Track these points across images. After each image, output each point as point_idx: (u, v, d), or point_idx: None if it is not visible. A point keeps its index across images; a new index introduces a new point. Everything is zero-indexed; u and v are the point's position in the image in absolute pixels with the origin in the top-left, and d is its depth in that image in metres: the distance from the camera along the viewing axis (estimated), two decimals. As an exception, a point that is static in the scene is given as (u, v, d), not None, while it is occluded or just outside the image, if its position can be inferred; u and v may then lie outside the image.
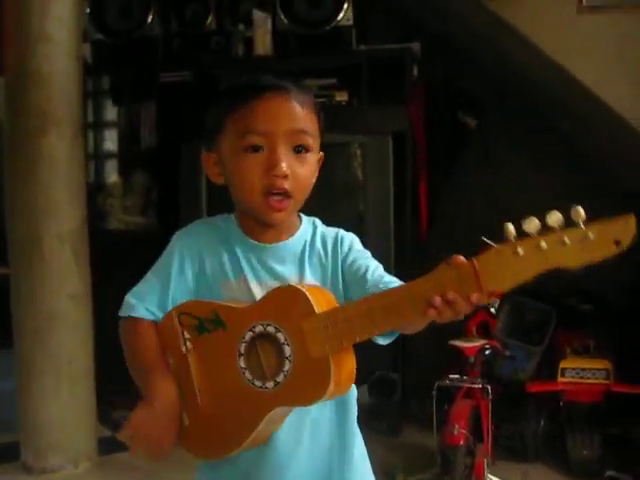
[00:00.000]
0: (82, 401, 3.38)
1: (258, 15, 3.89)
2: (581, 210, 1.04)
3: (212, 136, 1.38)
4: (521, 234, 1.08)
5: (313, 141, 1.35)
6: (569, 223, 1.06)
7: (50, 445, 3.31)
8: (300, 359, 1.23)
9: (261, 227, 1.37)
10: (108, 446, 3.58)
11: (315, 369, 1.22)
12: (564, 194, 4.02)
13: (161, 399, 1.31)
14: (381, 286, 1.28)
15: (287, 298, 1.26)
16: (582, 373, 3.21)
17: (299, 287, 1.26)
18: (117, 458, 3.51)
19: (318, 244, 1.39)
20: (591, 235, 1.04)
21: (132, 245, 4.07)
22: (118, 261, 3.94)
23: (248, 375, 1.28)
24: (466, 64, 4.14)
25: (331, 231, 1.42)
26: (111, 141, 4.57)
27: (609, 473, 3.02)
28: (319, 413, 1.35)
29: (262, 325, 1.26)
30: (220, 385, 1.32)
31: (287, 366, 1.24)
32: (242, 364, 1.28)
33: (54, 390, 3.29)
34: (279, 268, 1.36)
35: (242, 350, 1.28)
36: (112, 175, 4.52)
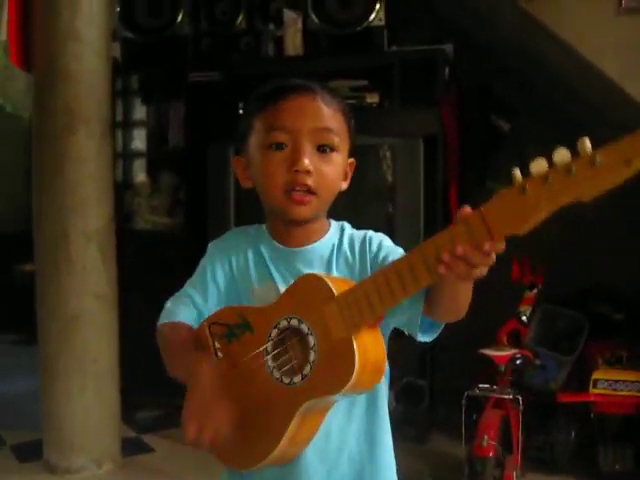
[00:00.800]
0: (106, 401, 3.37)
1: (289, 15, 3.85)
2: (587, 141, 0.96)
3: (242, 139, 1.39)
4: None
5: (339, 141, 1.34)
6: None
7: (73, 445, 3.30)
8: (324, 346, 1.19)
9: (289, 230, 1.37)
10: (132, 447, 3.59)
11: (339, 353, 1.17)
12: (599, 198, 3.95)
13: (206, 373, 1.26)
14: None
15: (306, 287, 1.23)
16: (615, 385, 3.15)
17: (316, 274, 1.25)
18: (141, 460, 3.51)
19: (345, 246, 1.37)
20: (598, 158, 0.94)
21: (159, 245, 4.06)
22: (145, 261, 3.94)
23: (276, 373, 1.24)
24: (500, 66, 4.09)
25: (360, 233, 1.40)
26: (139, 140, 4.56)
27: (642, 488, 2.95)
28: (347, 418, 1.33)
29: (286, 319, 1.24)
30: (250, 390, 1.28)
31: (312, 356, 1.20)
32: (270, 363, 1.25)
33: (78, 390, 3.28)
34: (305, 270, 1.33)
35: (269, 349, 1.25)
36: (140, 174, 4.51)
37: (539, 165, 0.99)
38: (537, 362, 3.22)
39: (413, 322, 1.26)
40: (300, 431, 1.24)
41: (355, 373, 1.15)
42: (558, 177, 0.98)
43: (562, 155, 0.98)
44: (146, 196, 4.23)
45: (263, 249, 1.39)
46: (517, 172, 1.01)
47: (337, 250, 1.37)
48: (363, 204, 3.38)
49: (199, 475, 3.01)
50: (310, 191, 1.30)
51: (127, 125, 4.54)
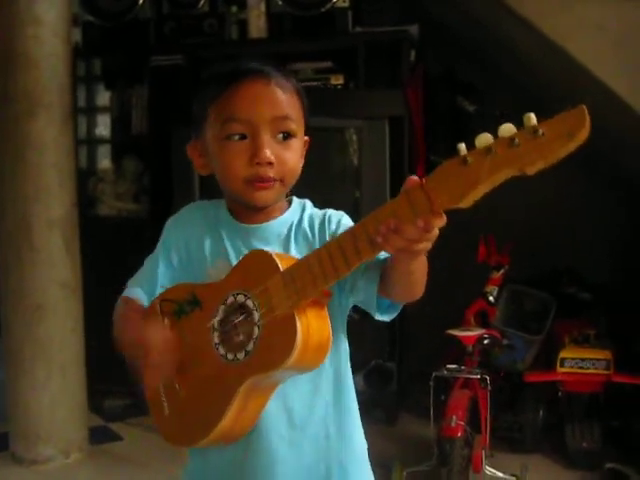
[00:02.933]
0: (73, 391, 3.34)
1: (252, -4, 3.81)
2: (533, 116, 0.95)
3: (197, 125, 1.35)
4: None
5: (297, 126, 1.32)
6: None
7: (40, 435, 3.26)
8: (268, 322, 1.17)
9: (249, 210, 1.35)
10: (100, 436, 3.56)
11: (281, 329, 1.15)
12: (564, 184, 3.98)
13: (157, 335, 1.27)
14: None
15: (253, 262, 1.23)
16: (582, 363, 3.17)
17: (263, 249, 1.23)
18: (109, 448, 3.49)
19: (305, 224, 1.35)
20: (541, 131, 0.94)
21: (124, 232, 4.02)
22: (110, 248, 3.90)
23: (221, 350, 1.23)
24: (465, 48, 4.08)
25: (320, 211, 1.39)
26: (103, 126, 4.50)
27: (609, 465, 2.98)
28: (311, 398, 1.31)
29: (233, 295, 1.22)
30: (196, 367, 1.27)
31: (256, 332, 1.18)
32: (216, 340, 1.24)
33: (44, 380, 3.24)
34: (260, 247, 1.31)
35: (216, 325, 1.24)
36: (104, 161, 4.45)
37: (484, 138, 0.98)
38: (505, 342, 3.24)
39: (369, 302, 1.25)
40: (244, 409, 1.23)
41: (296, 350, 1.13)
42: (501, 148, 0.97)
43: (507, 129, 0.97)
44: (110, 182, 4.18)
45: (221, 227, 1.37)
46: (462, 145, 1.00)
47: (296, 228, 1.35)
48: (329, 186, 3.37)
49: (168, 463, 2.97)
50: (273, 180, 1.29)
51: (90, 111, 4.48)
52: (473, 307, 3.32)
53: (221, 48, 3.84)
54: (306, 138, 1.38)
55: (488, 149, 0.97)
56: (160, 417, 1.33)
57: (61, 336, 3.27)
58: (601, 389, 3.21)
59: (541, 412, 3.28)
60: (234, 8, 3.91)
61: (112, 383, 3.80)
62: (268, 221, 1.35)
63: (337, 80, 3.65)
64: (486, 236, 3.37)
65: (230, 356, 1.21)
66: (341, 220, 1.35)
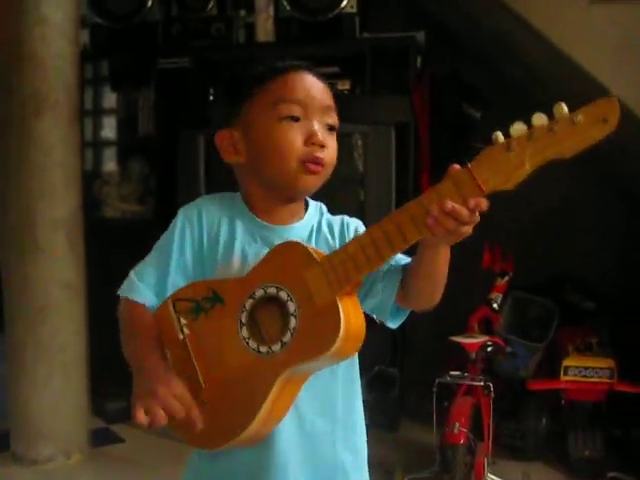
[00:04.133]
0: (74, 391, 3.33)
1: (260, 1, 3.81)
2: (564, 105, 1.05)
3: (232, 111, 1.35)
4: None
5: (336, 121, 1.35)
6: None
7: (41, 435, 3.26)
8: (306, 311, 1.18)
9: (272, 207, 1.35)
10: (101, 437, 3.55)
11: (323, 317, 1.16)
12: (569, 192, 3.98)
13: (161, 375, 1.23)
14: (392, 263, 1.30)
15: (285, 254, 1.22)
16: (585, 372, 3.17)
17: (294, 240, 1.23)
18: (110, 450, 3.48)
19: (325, 228, 1.37)
20: (579, 118, 1.04)
21: (129, 234, 4.01)
22: (114, 250, 3.89)
23: (252, 344, 1.22)
24: (472, 55, 4.08)
25: (336, 217, 1.41)
26: (109, 128, 4.50)
27: (611, 475, 2.97)
28: (322, 404, 1.32)
29: (262, 289, 1.22)
30: (223, 363, 1.25)
31: (293, 323, 1.18)
32: (244, 334, 1.22)
33: (46, 379, 3.23)
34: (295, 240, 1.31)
35: (244, 320, 1.23)
36: (110, 163, 4.46)
37: (519, 127, 1.07)
38: (508, 349, 3.24)
39: (385, 306, 1.27)
40: (279, 400, 1.22)
41: (341, 335, 1.14)
42: (542, 134, 1.05)
43: (540, 118, 1.06)
44: (116, 184, 4.18)
45: (240, 222, 1.35)
46: (499, 133, 1.08)
47: (317, 232, 1.36)
48: (334, 192, 3.36)
49: (170, 465, 2.98)
50: (322, 165, 1.30)
51: (97, 113, 4.48)
52: (477, 314, 3.32)
53: (228, 51, 3.84)
54: None
55: (529, 135, 1.06)
56: (183, 419, 1.27)
57: (64, 337, 3.26)
58: (604, 398, 3.20)
59: (544, 420, 3.27)
60: (242, 12, 3.91)
61: (114, 385, 3.78)
62: (292, 223, 1.35)
63: (344, 85, 3.66)
64: (491, 243, 3.37)
65: (263, 349, 1.20)
66: (358, 228, 1.38)
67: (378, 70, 3.63)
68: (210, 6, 3.89)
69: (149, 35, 3.99)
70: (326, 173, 1.33)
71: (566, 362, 3.19)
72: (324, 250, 1.32)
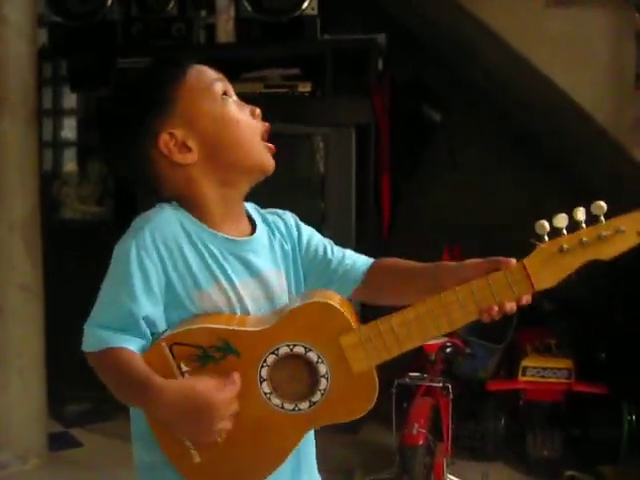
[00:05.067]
0: (32, 396, 3.29)
1: (221, 1, 3.79)
2: (603, 204, 1.14)
3: (162, 117, 1.24)
4: (554, 231, 1.17)
5: None
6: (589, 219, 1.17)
7: (-3, 441, 3.20)
8: (340, 375, 1.19)
9: (227, 213, 1.27)
10: (59, 442, 3.51)
11: (359, 383, 1.20)
12: (525, 190, 4.02)
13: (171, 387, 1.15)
14: (348, 262, 1.34)
15: (316, 315, 1.19)
16: (543, 372, 3.20)
17: (331, 303, 1.20)
18: (68, 454, 3.45)
19: (276, 231, 1.33)
20: (623, 227, 1.15)
21: (88, 235, 3.97)
22: (73, 251, 3.85)
23: (275, 400, 1.20)
24: (432, 57, 4.11)
25: (270, 214, 1.36)
26: (69, 129, 4.45)
27: (569, 473, 3.01)
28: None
29: (287, 346, 1.19)
30: (239, 415, 1.20)
31: (324, 384, 1.20)
32: (266, 389, 1.20)
33: (2, 384, 3.20)
34: (257, 262, 1.27)
35: (264, 375, 1.20)
36: (69, 164, 4.40)
37: (562, 222, 1.16)
38: (467, 350, 3.25)
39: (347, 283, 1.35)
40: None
41: (373, 403, 1.21)
42: (592, 240, 1.16)
43: (581, 215, 1.16)
44: (74, 185, 4.14)
45: (200, 242, 1.22)
46: (545, 224, 1.16)
47: (271, 235, 1.33)
48: (295, 193, 3.36)
49: (128, 470, 2.95)
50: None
51: (57, 113, 4.42)
52: (436, 315, 3.33)
53: (189, 52, 3.82)
54: None
55: (581, 240, 1.16)
56: (187, 465, 1.23)
57: (20, 340, 3.22)
58: (562, 398, 3.24)
59: (502, 420, 3.29)
60: (203, 12, 3.89)
61: (73, 388, 3.75)
62: (247, 229, 1.30)
63: (305, 87, 3.65)
64: (451, 243, 3.39)
65: (289, 406, 1.21)
66: (299, 224, 1.37)
67: (339, 72, 3.64)
68: (170, 6, 3.86)
69: (109, 34, 3.94)
70: None
71: (525, 362, 3.22)
72: (280, 253, 1.31)
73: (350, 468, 2.95)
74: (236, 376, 1.17)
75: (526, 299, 1.19)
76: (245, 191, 1.30)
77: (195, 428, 1.16)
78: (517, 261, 1.19)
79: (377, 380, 1.20)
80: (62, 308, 3.16)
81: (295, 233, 1.34)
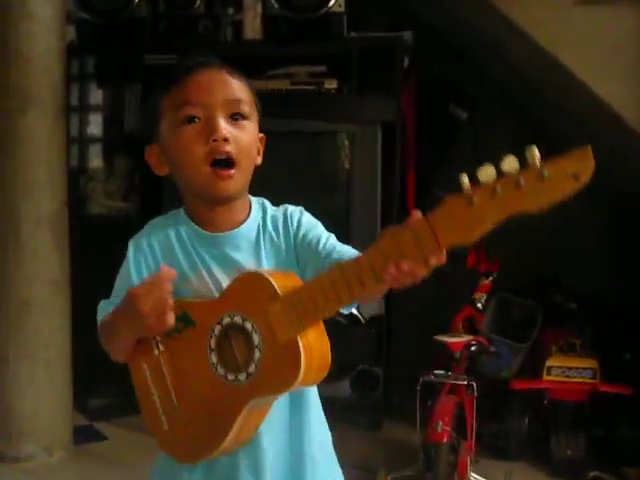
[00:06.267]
0: (58, 388, 3.31)
1: (248, -1, 3.81)
2: (536, 150, 0.97)
3: (152, 126, 1.35)
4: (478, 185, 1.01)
5: (250, 110, 1.33)
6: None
7: (24, 433, 3.24)
8: (269, 346, 1.19)
9: (213, 212, 1.33)
10: (85, 435, 3.53)
11: (285, 353, 1.17)
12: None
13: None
14: (335, 256, 1.27)
15: (250, 285, 1.22)
16: (568, 372, 3.18)
17: (261, 272, 1.23)
18: (93, 448, 3.46)
19: (269, 226, 1.36)
20: (546, 172, 0.96)
21: (114, 230, 3.99)
22: (99, 246, 3.88)
23: (220, 370, 1.24)
24: (459, 55, 4.09)
25: (279, 210, 1.39)
26: (95, 125, 4.49)
27: (593, 474, 2.99)
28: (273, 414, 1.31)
29: (229, 316, 1.23)
30: (194, 385, 1.27)
31: (257, 355, 1.20)
32: (213, 359, 1.24)
33: (29, 376, 3.22)
34: (235, 256, 1.32)
35: (212, 345, 1.24)
36: (95, 159, 4.44)
37: (487, 173, 0.99)
38: (492, 349, 3.24)
39: None
40: (245, 426, 1.25)
41: (301, 374, 1.16)
42: (506, 189, 0.99)
43: (510, 164, 0.98)
44: (101, 181, 4.17)
45: (189, 240, 1.34)
46: (465, 179, 1.01)
47: (263, 231, 1.35)
48: (320, 191, 3.37)
49: (152, 463, 2.98)
50: (231, 160, 1.28)
51: (83, 109, 4.46)
52: (461, 314, 3.33)
53: (215, 49, 3.83)
54: (262, 135, 1.39)
55: (493, 190, 0.99)
56: (160, 433, 1.32)
57: (47, 333, 3.24)
58: (587, 398, 3.22)
59: (526, 420, 3.28)
60: (230, 9, 3.91)
61: (98, 382, 3.79)
62: (235, 226, 1.34)
63: (331, 84, 3.65)
64: (476, 243, 3.38)
65: (231, 377, 1.22)
66: (301, 219, 1.36)
67: (365, 69, 3.63)
68: (197, 3, 3.88)
69: (136, 31, 3.97)
70: (242, 170, 1.31)
71: (549, 362, 3.21)
72: (271, 250, 1.33)
73: (373, 465, 2.95)
74: (164, 267, 1.25)
75: (437, 258, 1.06)
76: (216, 202, 1.33)
77: (138, 319, 1.24)
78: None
79: (302, 350, 1.16)
80: (88, 302, 3.17)
81: (293, 227, 1.35)
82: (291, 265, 1.33)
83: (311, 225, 1.36)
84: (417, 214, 1.07)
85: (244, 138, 1.31)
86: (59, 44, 3.25)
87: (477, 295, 3.36)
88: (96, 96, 4.42)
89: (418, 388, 2.79)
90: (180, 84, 1.30)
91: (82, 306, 3.34)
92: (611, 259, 3.91)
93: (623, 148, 3.46)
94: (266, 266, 1.32)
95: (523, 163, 0.98)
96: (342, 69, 3.67)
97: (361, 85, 3.62)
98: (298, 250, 1.34)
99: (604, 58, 3.07)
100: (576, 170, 0.96)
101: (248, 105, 1.32)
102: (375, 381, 3.57)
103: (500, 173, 0.99)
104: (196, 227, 1.35)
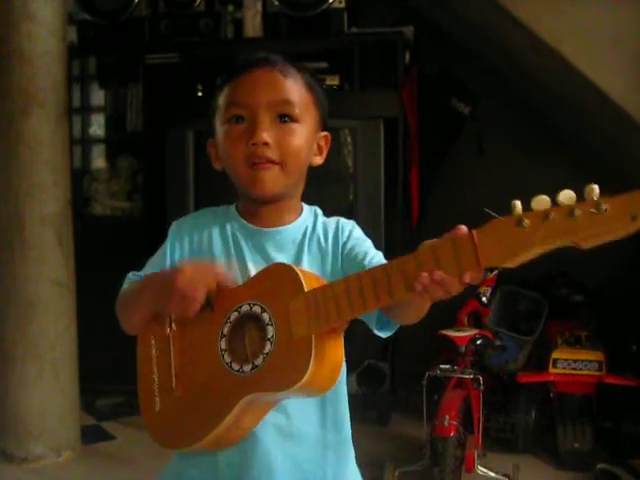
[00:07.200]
0: (65, 389, 3.32)
1: (248, -4, 3.80)
2: (596, 188, 0.91)
3: (210, 120, 1.37)
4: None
5: (301, 112, 1.30)
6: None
7: (31, 433, 3.24)
8: (282, 340, 1.13)
9: (260, 209, 1.34)
10: (92, 435, 3.55)
11: (295, 351, 1.11)
12: (558, 182, 3.98)
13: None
14: None
15: (277, 276, 1.18)
16: (574, 364, 3.18)
17: (290, 265, 1.19)
18: (101, 447, 3.47)
19: (319, 231, 1.35)
20: (604, 206, 0.90)
21: (118, 230, 4.01)
22: (104, 246, 3.89)
23: (226, 358, 1.19)
24: (460, 49, 4.09)
25: (332, 219, 1.38)
26: (98, 125, 4.49)
27: (600, 466, 2.98)
28: (304, 407, 1.28)
29: (249, 305, 1.19)
30: (197, 369, 1.24)
31: (267, 348, 1.15)
32: (222, 346, 1.20)
33: (36, 377, 3.22)
34: (273, 253, 1.31)
35: (225, 331, 1.20)
36: (98, 160, 4.44)
37: (541, 201, 0.95)
38: (497, 343, 3.25)
39: (369, 318, 1.25)
40: (235, 424, 1.20)
41: (307, 376, 1.10)
42: (560, 217, 0.93)
43: (567, 196, 0.94)
44: (105, 181, 4.17)
45: (230, 227, 1.36)
46: (517, 203, 0.96)
47: (310, 234, 1.34)
48: (323, 188, 3.37)
49: (160, 462, 2.98)
50: (272, 162, 1.27)
51: (85, 110, 4.47)
52: (466, 308, 3.33)
53: (216, 47, 3.84)
54: (325, 133, 1.38)
55: (546, 215, 0.94)
56: (149, 413, 1.30)
57: (53, 334, 3.25)
58: (593, 390, 3.22)
59: (533, 413, 3.28)
60: (230, 7, 3.91)
61: (105, 382, 3.80)
62: (283, 225, 1.34)
63: (332, 80, 3.65)
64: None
65: (235, 366, 1.18)
66: (352, 231, 1.35)
67: (367, 65, 3.64)
68: (198, 2, 3.88)
69: (137, 31, 3.97)
70: (288, 170, 1.29)
71: (555, 355, 3.21)
72: (317, 254, 1.31)
73: (381, 460, 2.95)
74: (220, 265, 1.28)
75: (470, 277, 1.00)
76: (260, 200, 1.33)
77: (167, 291, 1.24)
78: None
79: (314, 352, 1.09)
80: (93, 302, 3.19)
81: (344, 236, 1.33)
82: (334, 274, 1.30)
83: (361, 239, 1.34)
84: (462, 227, 1.01)
85: (290, 141, 1.28)
86: (60, 45, 3.25)
87: (481, 289, 3.36)
88: (98, 97, 4.42)
89: (424, 383, 2.79)
90: (232, 82, 1.31)
91: (87, 306, 3.37)
92: (617, 251, 3.90)
93: (626, 140, 3.46)
94: (305, 266, 1.28)
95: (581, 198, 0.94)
96: (343, 65, 3.68)
97: (362, 81, 3.63)
98: (344, 260, 1.31)
99: (605, 50, 3.06)
100: (635, 210, 0.90)
101: (299, 106, 1.30)
102: (382, 376, 3.58)
103: (555, 203, 0.94)
104: (243, 221, 1.36)
